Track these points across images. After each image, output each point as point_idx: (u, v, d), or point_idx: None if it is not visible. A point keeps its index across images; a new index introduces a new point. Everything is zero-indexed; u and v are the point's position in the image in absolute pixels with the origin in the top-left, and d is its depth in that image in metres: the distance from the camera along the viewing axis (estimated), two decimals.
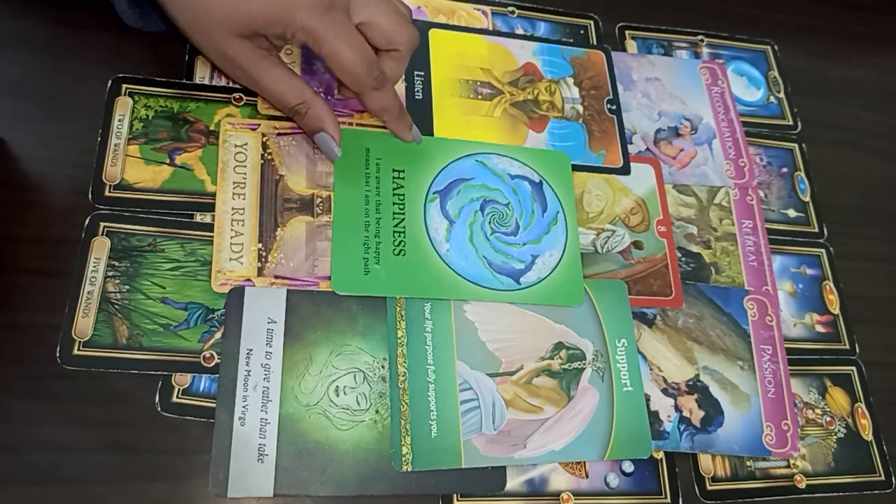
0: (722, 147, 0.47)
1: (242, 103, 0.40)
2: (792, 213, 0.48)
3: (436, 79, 0.43)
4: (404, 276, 0.37)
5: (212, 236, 0.36)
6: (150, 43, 0.40)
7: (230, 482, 0.32)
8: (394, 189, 0.39)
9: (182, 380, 0.34)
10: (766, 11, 0.55)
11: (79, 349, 0.33)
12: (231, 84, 0.40)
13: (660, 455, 0.38)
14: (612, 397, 0.38)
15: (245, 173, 0.38)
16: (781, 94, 0.51)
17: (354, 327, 0.36)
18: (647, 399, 0.39)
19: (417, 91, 0.42)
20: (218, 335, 0.35)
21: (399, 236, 0.38)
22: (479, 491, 0.35)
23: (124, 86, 0.39)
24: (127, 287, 0.35)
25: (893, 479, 0.42)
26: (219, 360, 0.34)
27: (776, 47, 0.53)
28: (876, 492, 0.41)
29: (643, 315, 0.41)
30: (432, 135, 0.41)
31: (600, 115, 0.45)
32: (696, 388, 0.40)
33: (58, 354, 0.33)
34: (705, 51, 0.51)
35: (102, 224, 0.36)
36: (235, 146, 0.38)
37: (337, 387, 0.35)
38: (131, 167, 0.37)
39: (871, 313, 0.46)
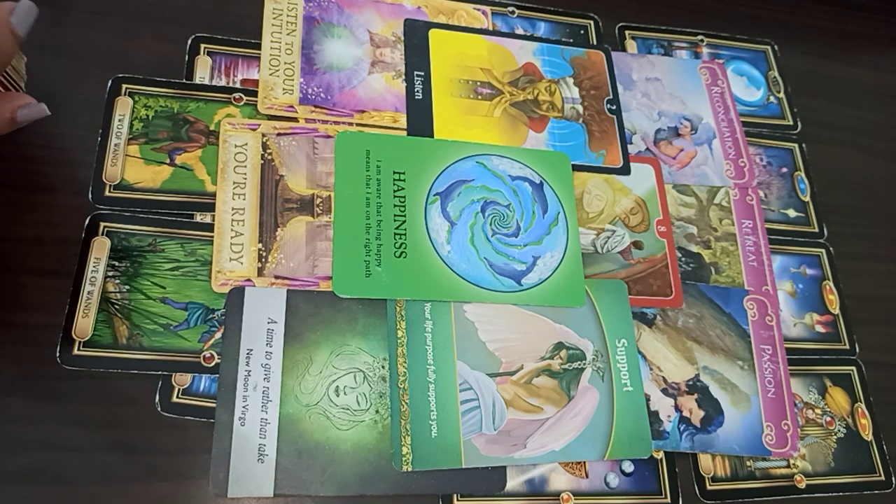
0: (722, 147, 0.47)
1: (242, 103, 0.40)
2: (792, 213, 0.48)
3: (436, 79, 0.43)
4: (406, 279, 0.37)
5: (212, 236, 0.36)
6: (150, 43, 0.40)
7: (230, 482, 0.32)
8: (394, 191, 0.39)
9: (182, 380, 0.34)
10: (766, 11, 0.55)
11: (79, 349, 0.33)
12: (231, 84, 0.40)
13: (660, 455, 0.38)
14: (612, 397, 0.38)
15: (245, 173, 0.38)
16: (781, 94, 0.51)
17: (354, 327, 0.36)
18: (647, 399, 0.39)
19: (417, 91, 0.42)
20: (218, 335, 0.35)
21: (400, 238, 0.38)
22: (479, 491, 0.35)
23: (124, 86, 0.39)
24: (127, 287, 0.35)
25: (893, 479, 0.42)
26: (219, 360, 0.34)
27: (776, 47, 0.53)
28: (876, 492, 0.41)
29: (643, 315, 0.41)
30: (432, 135, 0.41)
31: (600, 115, 0.45)
32: (696, 388, 0.40)
33: (58, 354, 0.33)
34: (705, 51, 0.51)
35: (102, 224, 0.36)
36: (235, 146, 0.38)
37: (337, 387, 0.35)
38: (131, 167, 0.37)
39: (871, 313, 0.46)
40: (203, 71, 0.40)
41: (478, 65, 0.44)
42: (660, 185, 0.44)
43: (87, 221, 0.36)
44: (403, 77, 0.43)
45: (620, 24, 0.50)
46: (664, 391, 0.39)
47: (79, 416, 0.33)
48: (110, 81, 0.39)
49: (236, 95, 0.40)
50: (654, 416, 0.38)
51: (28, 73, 0.38)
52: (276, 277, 0.36)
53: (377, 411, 0.35)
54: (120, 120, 0.38)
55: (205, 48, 0.41)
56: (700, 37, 0.52)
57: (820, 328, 0.45)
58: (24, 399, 0.33)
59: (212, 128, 0.39)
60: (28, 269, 0.35)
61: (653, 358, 0.40)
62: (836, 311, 0.45)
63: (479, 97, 0.43)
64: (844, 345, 0.45)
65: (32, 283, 0.34)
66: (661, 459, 0.38)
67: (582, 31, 0.49)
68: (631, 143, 0.45)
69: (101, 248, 0.35)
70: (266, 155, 0.38)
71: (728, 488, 0.39)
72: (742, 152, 0.47)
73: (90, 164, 0.37)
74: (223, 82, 0.40)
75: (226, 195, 0.37)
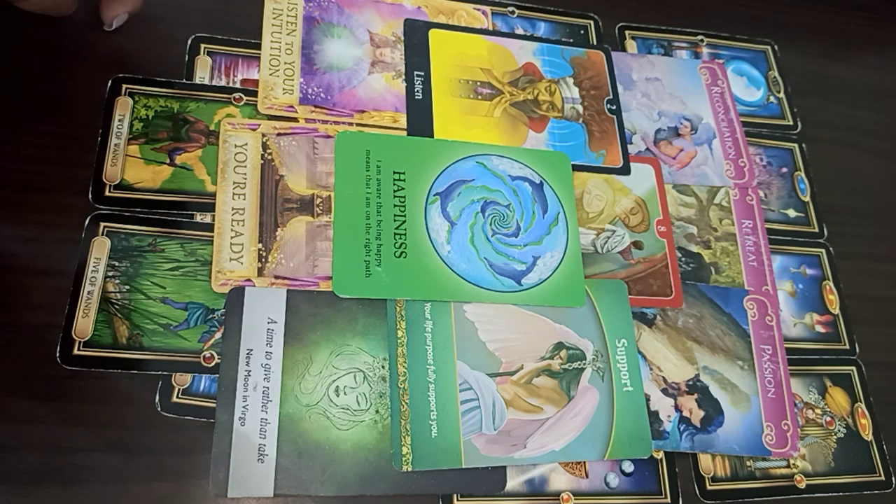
0: (722, 147, 0.47)
1: (242, 103, 0.40)
2: (792, 213, 0.48)
3: (436, 79, 0.43)
4: (406, 279, 0.37)
5: (212, 236, 0.36)
6: (150, 43, 0.40)
7: (230, 482, 0.32)
8: (394, 191, 0.39)
9: (182, 380, 0.34)
10: (766, 11, 0.55)
11: (79, 349, 0.33)
12: (231, 84, 0.40)
13: (660, 455, 0.38)
14: (612, 397, 0.38)
15: (245, 173, 0.38)
16: (781, 94, 0.51)
17: (354, 327, 0.36)
18: (647, 399, 0.39)
19: (417, 91, 0.42)
20: (218, 335, 0.35)
21: (400, 238, 0.38)
22: (479, 491, 0.35)
23: (124, 86, 0.39)
24: (127, 287, 0.35)
25: (893, 479, 0.42)
26: (219, 360, 0.34)
27: (776, 47, 0.53)
28: (876, 492, 0.41)
29: (643, 315, 0.41)
30: (432, 135, 0.41)
31: (600, 115, 0.45)
32: (696, 388, 0.40)
33: (58, 354, 0.33)
34: (705, 51, 0.51)
35: (102, 224, 0.36)
36: (235, 146, 0.38)
37: (337, 387, 0.35)
38: (131, 167, 0.37)
39: (871, 313, 0.46)
40: (203, 71, 0.40)
41: (478, 65, 0.44)
42: (660, 185, 0.44)
43: (87, 221, 0.36)
44: (403, 77, 0.43)
45: (620, 24, 0.50)
46: (664, 391, 0.39)
47: (79, 416, 0.33)
48: (110, 81, 0.39)
49: (236, 95, 0.40)
50: (654, 416, 0.38)
51: (28, 72, 0.38)
52: (276, 277, 0.36)
53: (377, 411, 0.35)
54: (120, 120, 0.38)
55: (205, 48, 0.41)
56: (700, 37, 0.52)
57: (820, 328, 0.45)
58: (24, 399, 0.33)
59: (212, 128, 0.39)
60: (28, 269, 0.35)
61: (653, 358, 0.40)
62: (836, 311, 0.45)
63: (479, 97, 0.43)
64: (844, 345, 0.45)
65: (32, 283, 0.34)
66: (661, 459, 0.38)
67: (582, 31, 0.49)
68: (631, 143, 0.45)
69: (101, 248, 0.35)
70: (266, 155, 0.38)
71: (728, 488, 0.39)
72: (742, 152, 0.47)
73: (90, 164, 0.37)
74: (223, 82, 0.40)
75: (226, 195, 0.37)
